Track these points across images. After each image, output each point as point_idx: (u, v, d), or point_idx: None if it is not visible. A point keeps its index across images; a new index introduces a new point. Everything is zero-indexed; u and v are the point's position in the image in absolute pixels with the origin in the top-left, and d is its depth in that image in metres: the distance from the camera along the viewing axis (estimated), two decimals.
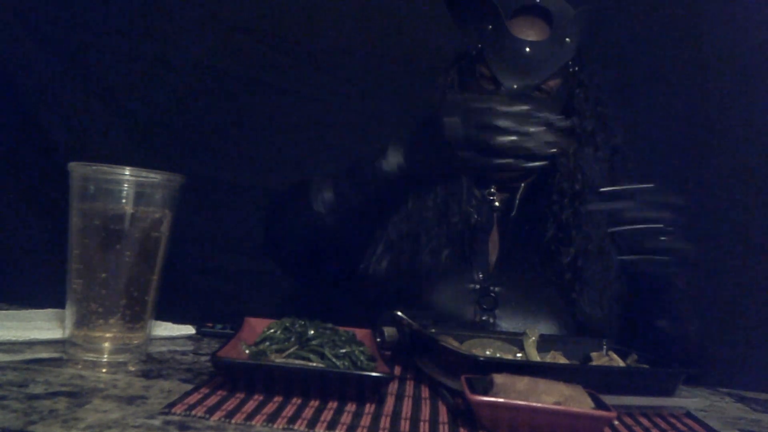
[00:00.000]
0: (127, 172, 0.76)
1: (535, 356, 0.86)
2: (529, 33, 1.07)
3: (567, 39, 1.07)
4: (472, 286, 1.09)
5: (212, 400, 0.64)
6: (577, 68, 1.11)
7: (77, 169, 0.76)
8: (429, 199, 1.13)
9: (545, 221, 1.13)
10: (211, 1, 1.55)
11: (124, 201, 0.75)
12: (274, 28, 1.55)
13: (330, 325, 0.78)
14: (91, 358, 0.75)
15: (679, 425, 0.74)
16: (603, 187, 1.11)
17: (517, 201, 1.17)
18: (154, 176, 0.77)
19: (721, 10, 1.48)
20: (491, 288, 1.09)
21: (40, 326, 0.85)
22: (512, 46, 1.06)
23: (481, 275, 1.10)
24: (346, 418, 0.63)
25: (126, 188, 0.75)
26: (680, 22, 1.50)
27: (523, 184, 1.17)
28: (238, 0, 1.56)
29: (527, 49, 1.05)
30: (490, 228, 1.15)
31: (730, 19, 1.47)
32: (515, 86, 1.05)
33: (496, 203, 1.17)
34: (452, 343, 0.83)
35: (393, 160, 0.94)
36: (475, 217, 1.15)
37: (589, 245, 1.10)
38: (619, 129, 1.17)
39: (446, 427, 0.64)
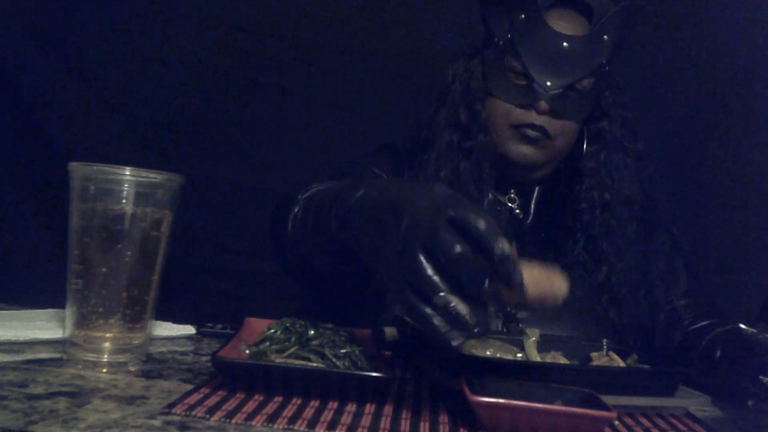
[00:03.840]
0: (127, 172, 0.76)
1: (536, 356, 0.86)
2: (566, 27, 1.01)
3: (605, 36, 1.02)
4: (494, 310, 1.05)
5: (212, 401, 0.64)
6: (608, 68, 1.06)
7: (77, 169, 0.76)
8: None
9: (572, 231, 1.09)
10: (211, 1, 1.55)
11: (124, 201, 0.75)
12: (274, 28, 1.55)
13: (330, 325, 0.78)
14: (91, 358, 0.75)
15: (679, 425, 0.74)
16: (632, 196, 1.08)
17: (533, 206, 1.13)
18: (154, 176, 0.77)
19: (721, 10, 1.48)
20: (514, 312, 1.03)
21: (40, 326, 0.85)
22: (548, 39, 1.00)
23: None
24: (346, 419, 0.63)
25: (126, 188, 0.75)
26: (681, 20, 1.50)
27: (537, 188, 1.14)
28: (238, 0, 1.56)
29: (564, 44, 1.00)
30: (510, 240, 1.11)
31: (730, 19, 1.47)
32: (549, 83, 1.00)
33: (517, 210, 1.12)
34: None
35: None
36: None
37: (621, 262, 1.07)
38: (643, 134, 1.14)
39: (446, 427, 0.64)
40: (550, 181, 1.15)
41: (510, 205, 1.13)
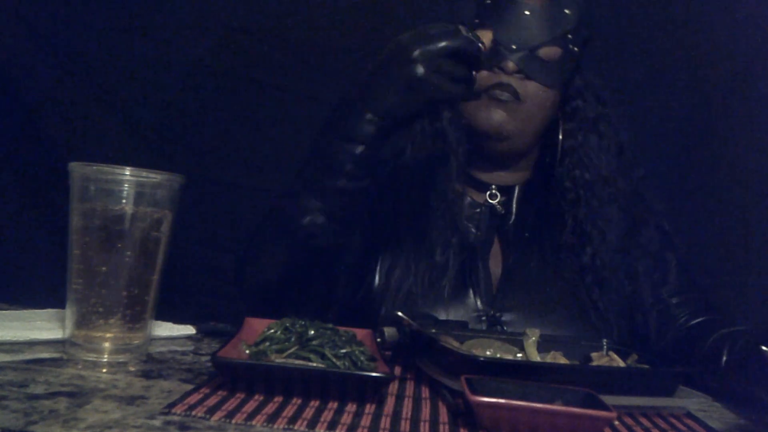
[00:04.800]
0: (127, 172, 0.76)
1: (536, 356, 0.86)
2: (528, 1, 1.08)
3: (566, 11, 1.08)
4: (476, 314, 1.05)
5: (212, 401, 0.64)
6: (576, 49, 1.10)
7: (77, 169, 0.76)
8: (427, 215, 1.09)
9: (557, 219, 1.11)
10: (211, 1, 1.55)
11: (124, 201, 0.75)
12: (274, 28, 1.55)
13: (330, 325, 0.78)
14: (91, 358, 0.75)
15: (679, 425, 0.74)
16: (611, 178, 1.11)
17: (515, 206, 1.14)
18: (154, 176, 0.77)
19: (720, 10, 1.48)
20: (498, 315, 1.04)
21: (40, 326, 0.85)
22: (512, 9, 1.06)
23: (483, 304, 1.06)
24: (346, 419, 0.63)
25: (126, 188, 0.75)
26: (680, 21, 1.50)
27: (518, 187, 1.15)
28: (238, 0, 1.56)
29: (526, 12, 1.06)
30: (492, 241, 1.12)
31: (730, 19, 1.47)
32: (513, 46, 1.05)
33: (499, 206, 1.14)
34: (452, 343, 0.83)
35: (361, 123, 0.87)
36: (474, 231, 1.11)
37: (604, 244, 1.08)
38: (624, 128, 1.16)
39: (446, 427, 0.64)
40: (530, 180, 1.16)
41: (491, 201, 1.14)
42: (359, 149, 0.87)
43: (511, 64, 1.05)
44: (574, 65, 1.12)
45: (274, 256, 0.98)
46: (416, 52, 0.84)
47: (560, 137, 1.13)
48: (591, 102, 1.14)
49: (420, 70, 0.83)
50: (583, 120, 1.13)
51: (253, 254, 1.02)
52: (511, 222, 1.13)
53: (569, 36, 1.08)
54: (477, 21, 1.09)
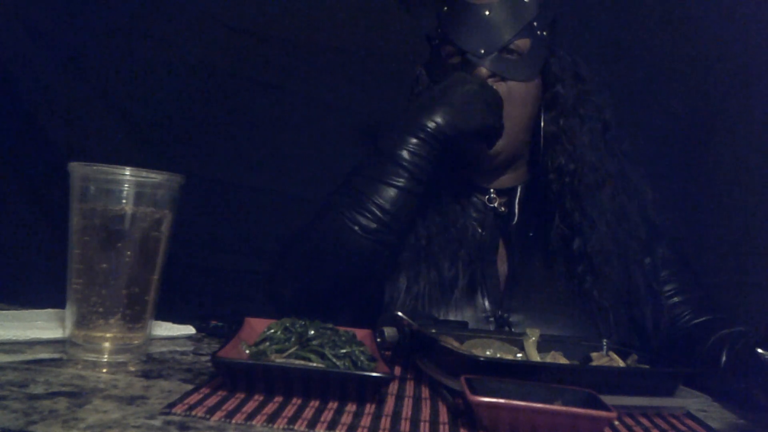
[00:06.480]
0: (127, 172, 0.76)
1: (536, 356, 0.86)
2: (484, 1, 1.06)
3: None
4: (484, 316, 1.05)
5: (212, 401, 0.64)
6: (545, 33, 1.09)
7: (77, 169, 0.76)
8: (433, 224, 1.09)
9: (550, 213, 1.10)
10: (211, 1, 1.55)
11: (124, 201, 0.75)
12: (274, 28, 1.55)
13: (330, 326, 0.78)
14: (91, 358, 0.75)
15: (679, 425, 0.74)
16: (597, 163, 1.09)
17: (517, 207, 1.13)
18: (154, 176, 0.77)
19: (720, 9, 1.48)
20: (506, 316, 1.04)
21: (40, 326, 0.85)
22: (471, 14, 1.06)
23: (491, 305, 1.06)
24: (346, 419, 0.63)
25: (126, 188, 0.75)
26: (680, 20, 1.50)
27: (520, 187, 1.15)
28: (238, 0, 1.56)
29: (486, 13, 1.05)
30: (497, 241, 1.12)
31: (730, 18, 1.47)
32: (482, 50, 1.05)
33: (502, 208, 1.14)
34: (452, 343, 0.83)
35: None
36: (480, 231, 1.11)
37: (594, 232, 1.06)
38: (607, 104, 1.14)
39: (446, 427, 0.64)
40: (532, 179, 1.15)
41: (491, 205, 1.14)
42: (419, 147, 0.95)
43: (483, 70, 1.05)
44: (546, 50, 1.11)
45: (320, 272, 0.98)
46: (473, 86, 0.99)
47: (541, 125, 1.11)
48: (570, 83, 1.12)
49: (473, 100, 0.98)
50: (563, 106, 1.11)
51: (293, 272, 1.01)
52: (514, 222, 1.13)
53: (534, 24, 1.07)
54: (440, 31, 1.09)
